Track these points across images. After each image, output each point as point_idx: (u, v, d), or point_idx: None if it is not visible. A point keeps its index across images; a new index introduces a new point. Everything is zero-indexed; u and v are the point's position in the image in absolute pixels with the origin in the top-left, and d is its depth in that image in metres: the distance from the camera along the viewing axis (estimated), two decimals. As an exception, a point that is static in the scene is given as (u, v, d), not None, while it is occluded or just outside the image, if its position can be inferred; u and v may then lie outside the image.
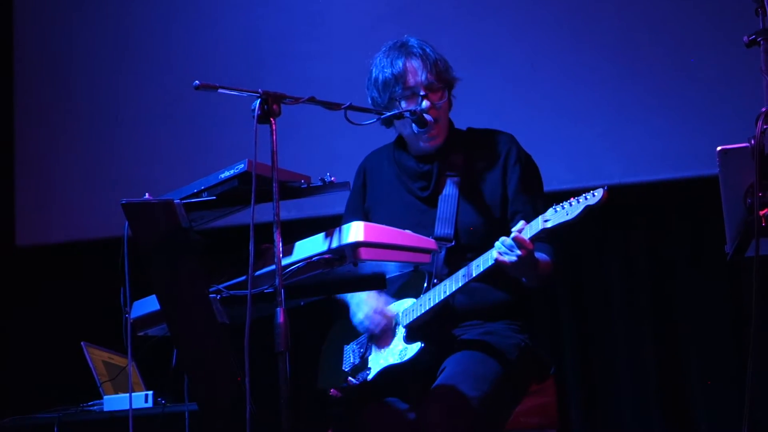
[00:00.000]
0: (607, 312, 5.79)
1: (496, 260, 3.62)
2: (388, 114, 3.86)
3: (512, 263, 3.60)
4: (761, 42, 3.00)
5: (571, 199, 3.54)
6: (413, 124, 3.89)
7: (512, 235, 3.59)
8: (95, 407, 4.51)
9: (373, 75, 3.99)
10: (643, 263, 5.75)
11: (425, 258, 3.40)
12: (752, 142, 2.90)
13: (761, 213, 2.90)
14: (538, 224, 3.58)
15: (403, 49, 3.96)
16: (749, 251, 3.10)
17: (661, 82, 5.64)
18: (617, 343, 5.73)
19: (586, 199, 3.51)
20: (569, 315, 5.82)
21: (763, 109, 2.90)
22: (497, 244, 3.62)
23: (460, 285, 3.74)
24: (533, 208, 3.87)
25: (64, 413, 4.48)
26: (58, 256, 6.55)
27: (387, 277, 3.59)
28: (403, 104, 3.90)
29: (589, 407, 5.74)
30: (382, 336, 3.90)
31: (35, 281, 6.57)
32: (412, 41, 3.99)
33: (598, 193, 3.49)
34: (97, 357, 4.87)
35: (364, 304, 3.93)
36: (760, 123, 2.88)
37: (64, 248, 6.53)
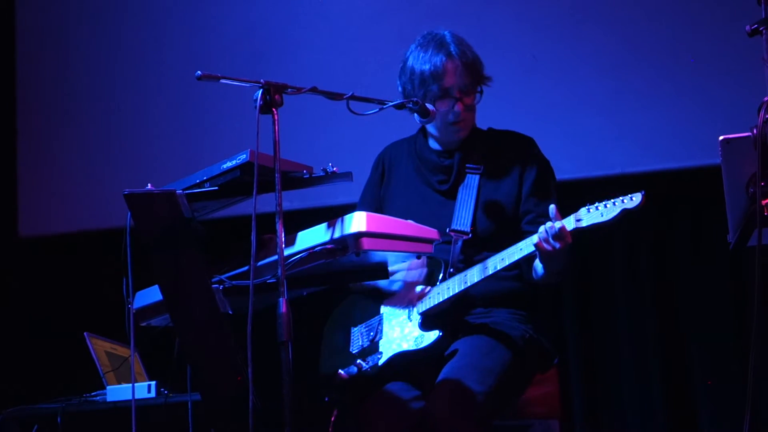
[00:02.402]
0: (611, 302, 5.78)
1: (536, 245, 3.61)
2: (390, 104, 3.84)
3: (549, 252, 3.60)
4: (763, 31, 3.00)
5: (605, 200, 3.50)
6: (415, 114, 3.89)
7: (558, 225, 3.56)
8: (98, 397, 4.52)
9: (409, 64, 3.99)
10: (645, 253, 5.75)
11: (428, 248, 3.40)
12: (754, 131, 2.90)
13: (763, 202, 2.90)
14: (570, 223, 3.57)
15: (442, 48, 3.95)
16: (751, 241, 3.10)
17: (663, 71, 5.63)
18: (620, 333, 5.73)
19: (623, 202, 3.46)
20: (573, 305, 5.82)
21: (766, 99, 2.90)
22: (541, 229, 3.59)
23: (482, 278, 3.73)
24: (544, 211, 3.88)
25: (67, 403, 4.49)
26: (61, 247, 6.55)
27: (389, 267, 3.59)
28: (436, 103, 3.90)
29: (591, 397, 5.74)
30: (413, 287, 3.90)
31: (38, 271, 6.57)
32: (450, 38, 3.98)
33: (637, 198, 3.45)
34: (99, 347, 4.88)
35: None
36: (762, 112, 2.88)
37: (66, 239, 6.54)
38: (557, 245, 3.57)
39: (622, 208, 3.46)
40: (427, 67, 3.93)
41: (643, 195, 3.44)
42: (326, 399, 3.99)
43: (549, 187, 4.01)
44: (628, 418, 5.67)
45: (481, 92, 4.00)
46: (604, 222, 3.50)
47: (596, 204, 3.52)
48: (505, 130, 4.13)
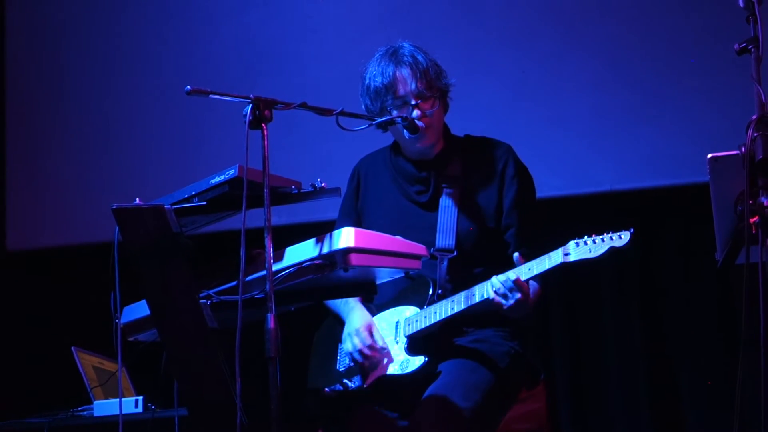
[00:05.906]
0: (598, 317, 5.79)
1: (492, 299, 3.65)
2: (380, 120, 3.86)
3: (509, 306, 3.64)
4: (752, 49, 3.01)
5: (594, 235, 3.51)
6: (405, 130, 3.90)
7: (513, 278, 3.61)
8: (85, 412, 4.50)
9: (365, 83, 3.99)
10: (633, 270, 5.75)
11: (416, 264, 3.41)
12: (743, 149, 2.91)
13: (751, 220, 2.91)
14: (558, 257, 3.56)
15: (393, 58, 3.96)
16: (739, 259, 3.11)
17: (652, 89, 5.65)
18: (607, 348, 5.73)
19: (612, 240, 3.49)
20: (559, 320, 5.82)
21: (754, 117, 2.91)
22: (495, 282, 3.64)
23: (468, 305, 3.74)
24: (525, 225, 3.91)
25: (54, 418, 4.46)
26: (49, 261, 6.54)
27: (377, 283, 3.59)
28: (395, 113, 3.91)
29: (579, 413, 5.74)
30: (368, 369, 3.89)
31: (26, 286, 6.55)
32: (404, 49, 3.98)
33: (625, 236, 3.47)
34: (87, 362, 4.86)
35: (355, 336, 3.88)
36: (750, 130, 2.89)
37: (54, 253, 6.52)
38: (519, 297, 3.63)
39: (610, 245, 3.48)
40: (378, 80, 3.94)
41: (631, 233, 3.46)
42: (311, 415, 3.98)
43: (530, 199, 4.01)
44: (616, 433, 5.68)
45: (442, 98, 3.98)
46: (592, 258, 3.53)
47: (584, 239, 3.53)
48: (482, 137, 4.11)
